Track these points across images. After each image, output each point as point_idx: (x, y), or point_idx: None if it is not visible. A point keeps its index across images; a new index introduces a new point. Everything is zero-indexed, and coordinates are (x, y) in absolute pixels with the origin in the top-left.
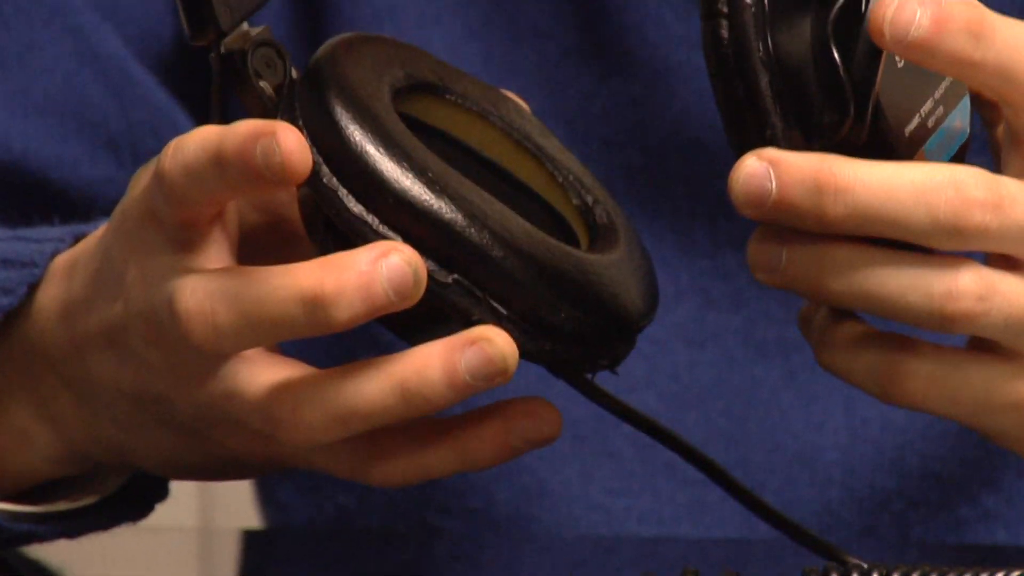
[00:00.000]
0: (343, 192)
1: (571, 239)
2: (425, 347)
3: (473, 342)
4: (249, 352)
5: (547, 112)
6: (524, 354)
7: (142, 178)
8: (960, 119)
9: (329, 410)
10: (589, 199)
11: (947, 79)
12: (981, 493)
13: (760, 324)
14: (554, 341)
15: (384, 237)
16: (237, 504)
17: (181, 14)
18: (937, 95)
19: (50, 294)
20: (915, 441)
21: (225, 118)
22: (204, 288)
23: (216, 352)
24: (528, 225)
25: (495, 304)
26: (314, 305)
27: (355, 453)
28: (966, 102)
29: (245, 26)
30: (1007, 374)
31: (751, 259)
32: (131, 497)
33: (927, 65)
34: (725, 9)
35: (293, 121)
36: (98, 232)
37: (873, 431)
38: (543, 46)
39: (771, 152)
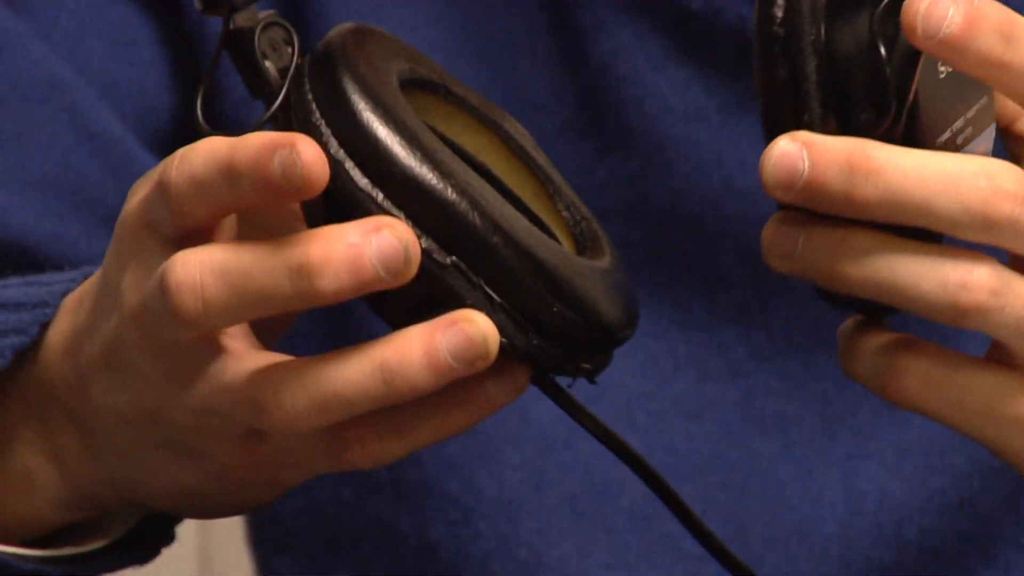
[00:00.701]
0: (350, 164)
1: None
2: (406, 330)
3: (454, 323)
4: (236, 347)
5: None
6: (512, 348)
7: (139, 190)
8: (985, 145)
9: (311, 393)
10: (576, 214)
11: (981, 101)
12: (979, 567)
13: (758, 397)
14: (543, 337)
15: (388, 212)
16: (235, 571)
17: None
18: (969, 115)
19: (58, 328)
20: (913, 515)
21: (212, 94)
22: (194, 260)
23: (206, 326)
24: (527, 222)
25: (490, 292)
26: (300, 274)
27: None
28: (992, 129)
29: (254, 6)
30: (1016, 386)
31: (766, 245)
32: (137, 542)
33: (956, 63)
34: None
35: (303, 97)
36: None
37: (871, 505)
38: (540, 119)
39: (805, 134)
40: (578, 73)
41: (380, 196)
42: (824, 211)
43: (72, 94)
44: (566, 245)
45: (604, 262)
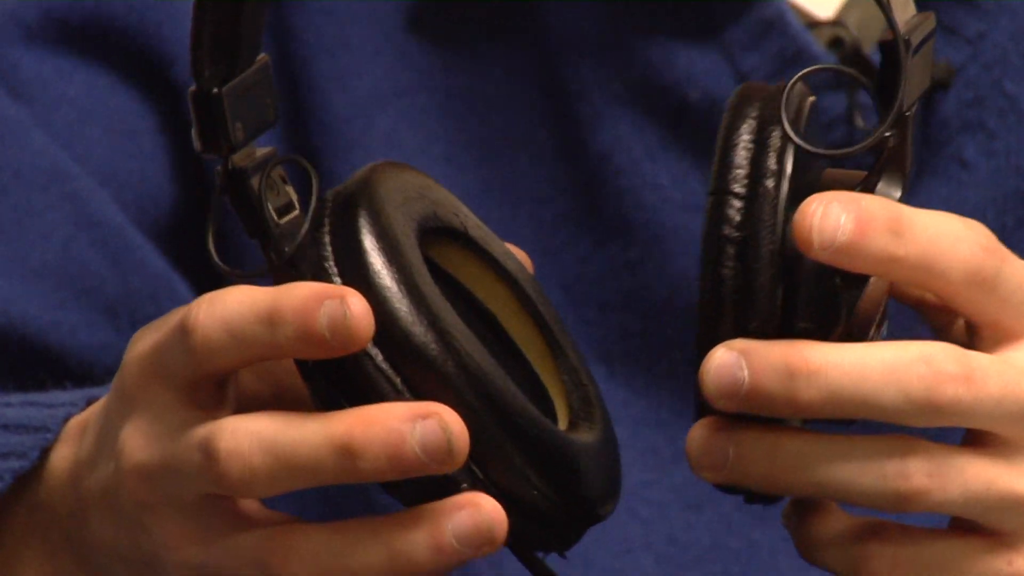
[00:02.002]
0: None
1: (550, 414)
2: (414, 510)
3: (461, 507)
4: (248, 506)
5: (543, 276)
6: None
7: (141, 340)
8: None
9: (318, 566)
10: (575, 378)
11: None
12: None
13: None
14: (520, 515)
15: (385, 375)
16: None
17: (194, 126)
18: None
19: (62, 455)
20: None
21: (220, 234)
22: (244, 429)
23: (248, 494)
24: (522, 396)
25: (473, 467)
26: (342, 453)
27: None
28: None
29: (251, 145)
30: (984, 552)
31: (695, 458)
32: None
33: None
34: (740, 189)
35: (320, 241)
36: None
37: None
38: (539, 210)
39: (740, 342)
40: (577, 164)
41: (380, 357)
42: (769, 415)
43: (72, 183)
44: (561, 410)
45: (594, 435)
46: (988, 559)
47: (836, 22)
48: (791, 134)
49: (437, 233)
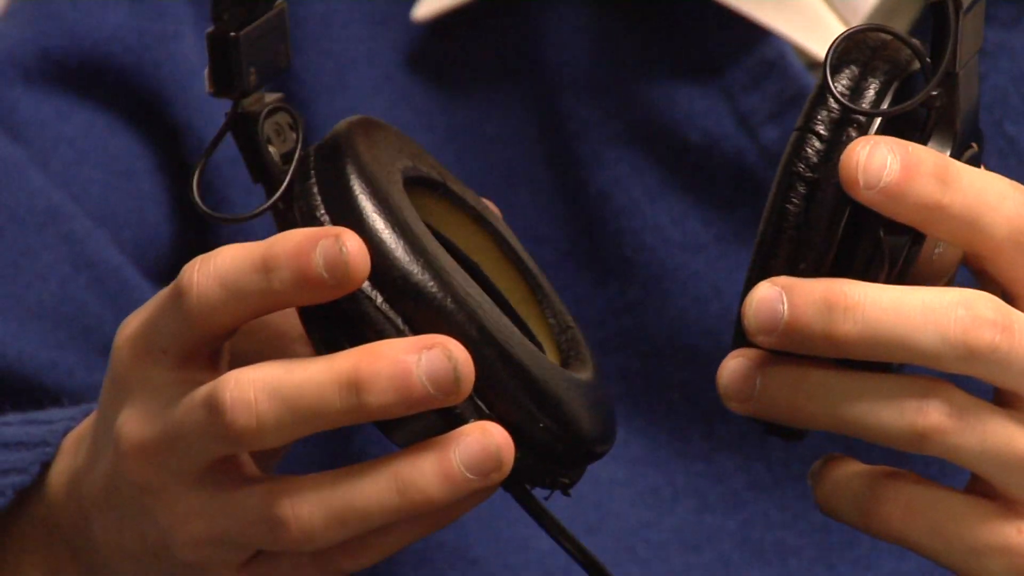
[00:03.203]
0: None
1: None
2: (421, 443)
3: (468, 434)
4: (250, 471)
5: None
6: None
7: (130, 323)
8: (954, 253)
9: (327, 506)
10: (562, 321)
11: None
12: None
13: (757, 527)
14: (526, 449)
15: (385, 315)
16: None
17: (208, 69)
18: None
19: (60, 467)
20: None
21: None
22: (247, 379)
23: (258, 444)
24: (520, 334)
25: (479, 403)
26: (349, 390)
27: None
28: None
29: (261, 89)
30: (995, 516)
31: (724, 388)
32: None
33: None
34: (824, 132)
35: (308, 190)
36: None
37: None
38: (539, 250)
39: (784, 279)
40: (577, 204)
41: (380, 299)
42: (806, 352)
43: (70, 223)
44: (550, 353)
45: (587, 374)
46: (999, 523)
47: None
48: (833, 90)
49: (417, 183)
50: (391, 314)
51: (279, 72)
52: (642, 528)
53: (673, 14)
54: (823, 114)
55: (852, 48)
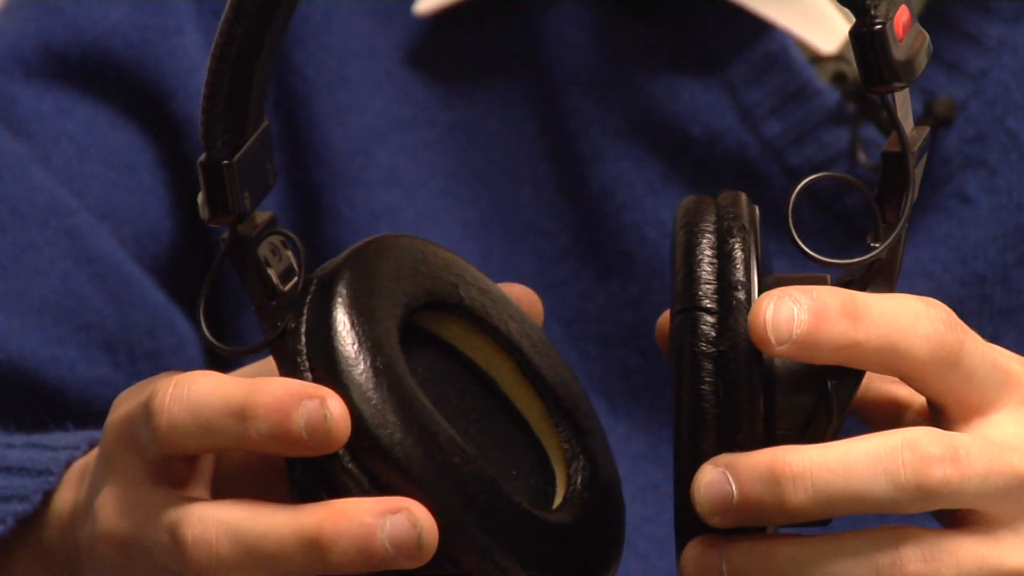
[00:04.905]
0: None
1: (550, 481)
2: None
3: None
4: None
5: (545, 311)
6: None
7: (120, 406)
8: None
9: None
10: (575, 447)
11: None
12: None
13: None
14: None
15: (350, 474)
16: None
17: (202, 197)
18: None
19: (63, 498)
20: None
21: (214, 301)
22: (211, 517)
23: None
24: (502, 486)
25: (443, 560)
26: (311, 546)
27: None
28: None
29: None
30: None
31: (688, 574)
32: None
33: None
34: (710, 304)
35: (296, 330)
36: None
37: None
38: (541, 246)
39: (724, 457)
40: (579, 199)
41: (348, 458)
42: (764, 524)
43: (71, 218)
44: (558, 476)
45: (579, 511)
46: None
47: (839, 57)
48: (801, 244)
49: (431, 307)
50: (357, 473)
51: (268, 189)
52: (643, 523)
53: (674, 8)
54: (703, 288)
55: (702, 209)
